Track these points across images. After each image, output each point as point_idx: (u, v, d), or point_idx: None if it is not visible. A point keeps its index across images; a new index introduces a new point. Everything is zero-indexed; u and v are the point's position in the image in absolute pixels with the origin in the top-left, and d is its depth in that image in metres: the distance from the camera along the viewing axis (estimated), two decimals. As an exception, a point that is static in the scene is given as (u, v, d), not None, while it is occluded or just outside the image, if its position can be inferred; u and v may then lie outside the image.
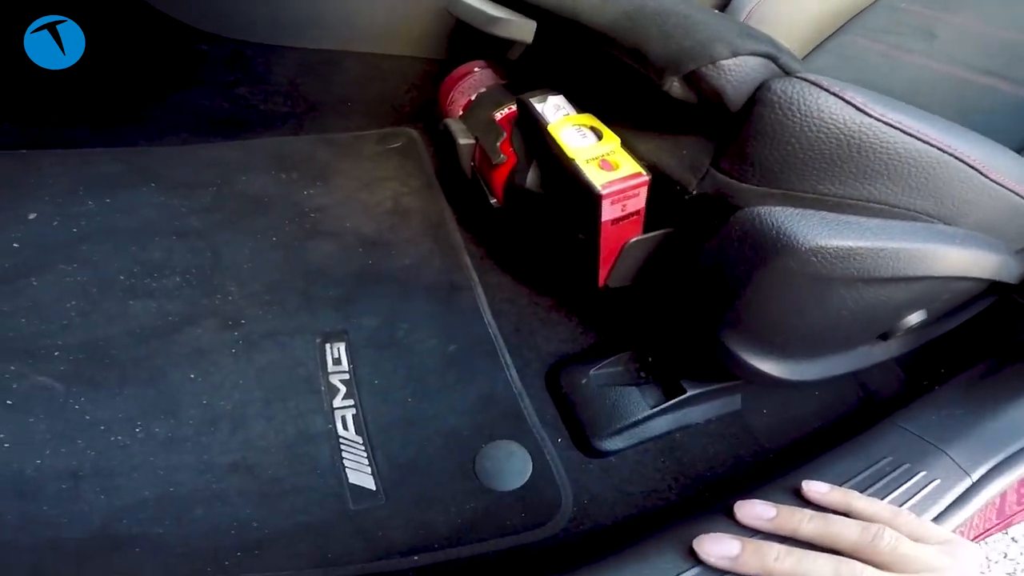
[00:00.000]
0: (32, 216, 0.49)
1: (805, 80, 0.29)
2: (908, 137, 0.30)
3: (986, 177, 0.34)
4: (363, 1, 0.61)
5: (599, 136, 0.37)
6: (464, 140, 0.47)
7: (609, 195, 0.33)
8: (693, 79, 0.30)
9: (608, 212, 0.34)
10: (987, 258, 0.38)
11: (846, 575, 0.27)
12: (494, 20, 0.42)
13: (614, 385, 0.45)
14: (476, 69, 0.57)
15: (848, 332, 0.42)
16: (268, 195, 0.58)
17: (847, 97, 0.29)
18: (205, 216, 0.54)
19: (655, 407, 0.43)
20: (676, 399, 0.43)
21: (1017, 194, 0.36)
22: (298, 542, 0.36)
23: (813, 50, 0.77)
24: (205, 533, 0.35)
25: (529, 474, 0.42)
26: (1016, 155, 0.42)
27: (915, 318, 0.42)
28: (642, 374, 0.47)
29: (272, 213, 0.56)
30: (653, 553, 0.30)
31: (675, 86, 0.31)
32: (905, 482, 0.37)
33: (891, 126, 0.29)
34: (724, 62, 0.29)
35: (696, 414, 0.47)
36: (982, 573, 0.35)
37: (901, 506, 0.35)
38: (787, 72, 0.30)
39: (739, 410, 0.50)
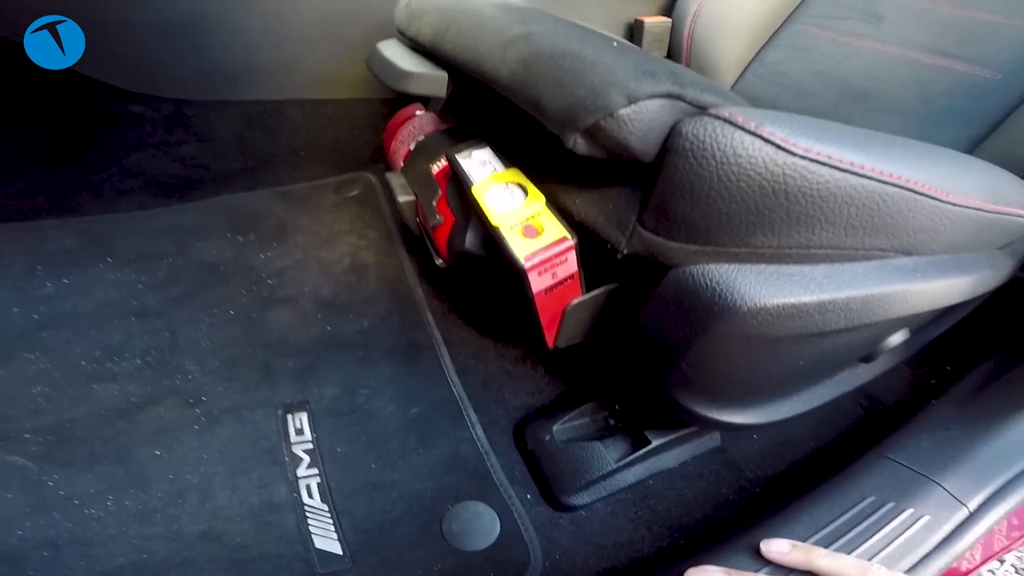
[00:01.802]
0: (-5, 303, 0.67)
1: (718, 117, 0.34)
2: (841, 173, 0.35)
3: (938, 200, 0.40)
4: (299, 48, 0.78)
5: (526, 193, 0.51)
6: (403, 198, 0.63)
7: (534, 267, 0.47)
8: (594, 134, 0.38)
9: (537, 283, 0.49)
10: (958, 282, 0.47)
11: None
12: (404, 76, 0.56)
13: (579, 439, 0.60)
14: (417, 113, 0.70)
15: (815, 374, 0.56)
16: (224, 261, 0.76)
17: (766, 134, 0.34)
18: (161, 292, 0.72)
19: (620, 460, 0.57)
20: (642, 451, 0.58)
21: (977, 209, 0.43)
22: None
23: (765, 44, 0.96)
24: None
25: (497, 533, 0.57)
26: (972, 159, 0.56)
27: (897, 338, 0.53)
28: (611, 421, 0.62)
29: (229, 281, 0.74)
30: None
31: (579, 142, 0.39)
32: (889, 522, 0.46)
33: (819, 163, 0.34)
34: (622, 112, 0.36)
35: (669, 459, 0.61)
36: None
37: (887, 547, 0.45)
38: (700, 108, 0.37)
39: (719, 446, 0.64)
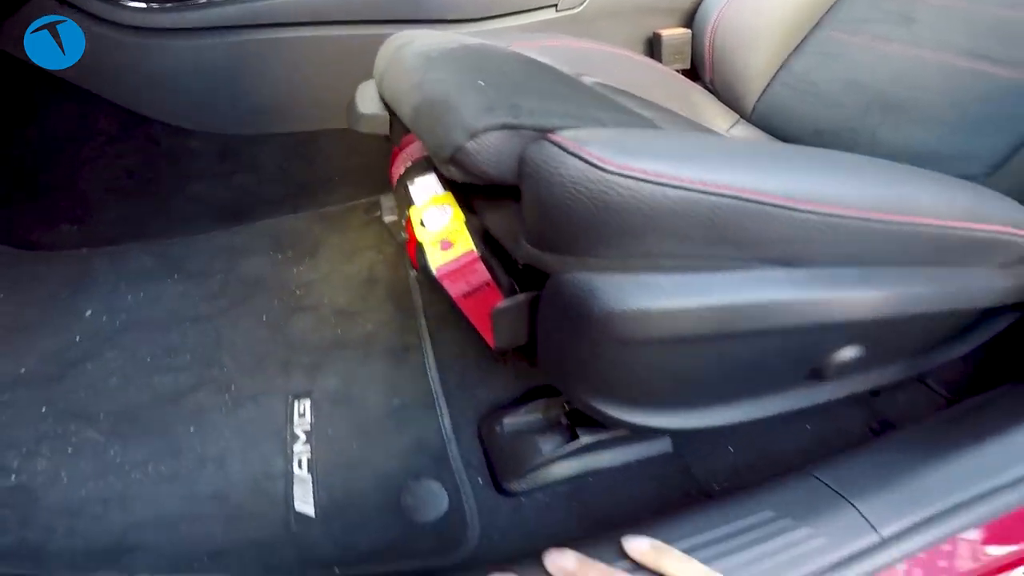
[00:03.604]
0: (88, 313, 0.82)
1: (550, 141, 0.38)
2: (656, 186, 0.37)
3: (795, 210, 0.40)
4: (328, 82, 0.88)
5: (450, 214, 0.57)
6: (388, 218, 0.71)
7: (445, 275, 0.53)
8: (457, 164, 0.44)
9: (452, 289, 0.54)
10: (872, 296, 0.46)
11: None
12: (356, 117, 0.64)
13: (526, 432, 0.64)
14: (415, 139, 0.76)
15: (730, 384, 0.54)
16: (264, 275, 0.88)
17: (584, 154, 0.37)
18: (212, 302, 0.84)
19: (551, 453, 0.61)
20: (571, 447, 0.61)
21: (889, 221, 0.43)
22: (248, 553, 0.60)
23: (792, 52, 0.91)
24: (185, 542, 0.61)
25: (445, 510, 0.63)
26: (930, 176, 0.54)
27: (848, 354, 0.53)
28: (562, 420, 0.65)
29: (266, 292, 0.86)
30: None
31: (451, 170, 0.45)
32: (776, 537, 0.44)
33: (633, 178, 0.36)
34: (467, 145, 0.42)
35: (608, 458, 0.64)
36: None
37: (764, 560, 0.43)
38: (541, 133, 0.41)
39: (671, 452, 0.65)
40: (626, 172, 0.37)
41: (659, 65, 0.97)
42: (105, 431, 0.71)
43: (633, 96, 0.73)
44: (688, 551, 0.42)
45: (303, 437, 0.69)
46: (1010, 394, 0.68)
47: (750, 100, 0.98)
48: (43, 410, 0.72)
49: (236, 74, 0.85)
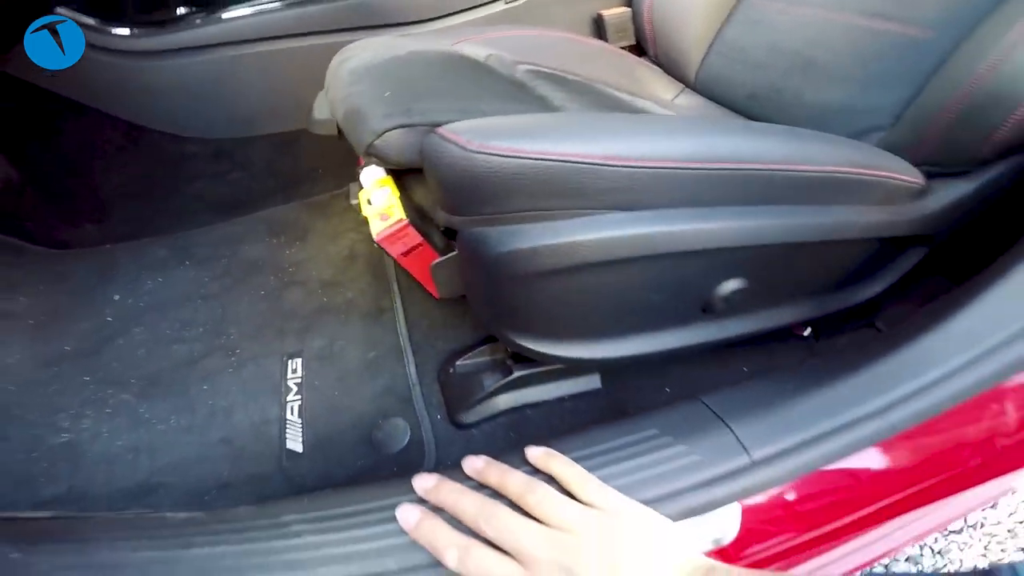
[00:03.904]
0: (116, 297, 0.95)
1: (436, 133, 0.48)
2: (505, 159, 0.46)
3: (613, 166, 0.48)
4: (305, 87, 0.91)
5: (388, 192, 0.68)
6: (354, 201, 0.81)
7: (383, 239, 0.64)
8: (374, 156, 0.56)
9: (393, 249, 0.65)
10: (710, 228, 0.53)
11: (486, 512, 0.43)
12: (311, 121, 0.73)
13: (474, 372, 0.75)
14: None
15: (628, 316, 0.63)
16: (261, 258, 0.99)
17: (453, 139, 0.47)
18: (219, 282, 0.96)
19: (491, 387, 0.71)
20: (505, 380, 0.71)
21: (709, 168, 0.50)
22: (248, 486, 0.72)
23: (725, 21, 0.97)
24: (200, 480, 0.73)
25: (407, 442, 0.73)
26: (781, 130, 0.62)
27: (731, 286, 0.62)
28: (508, 362, 0.76)
29: (263, 272, 0.97)
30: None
31: (373, 161, 0.57)
32: (653, 452, 0.48)
33: (488, 154, 0.46)
34: (376, 143, 0.54)
35: (542, 392, 0.73)
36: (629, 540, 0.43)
37: (638, 473, 0.47)
38: (433, 126, 0.50)
39: (599, 389, 0.75)
40: (483, 150, 0.47)
41: (604, 44, 1.04)
42: (135, 393, 0.83)
43: (557, 78, 0.81)
44: (577, 459, 0.48)
45: (295, 389, 0.81)
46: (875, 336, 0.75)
47: (692, 70, 1.04)
48: (86, 379, 0.84)
49: (219, 85, 0.96)
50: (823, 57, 0.87)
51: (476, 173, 0.48)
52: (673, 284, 0.60)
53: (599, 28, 1.12)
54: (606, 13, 1.09)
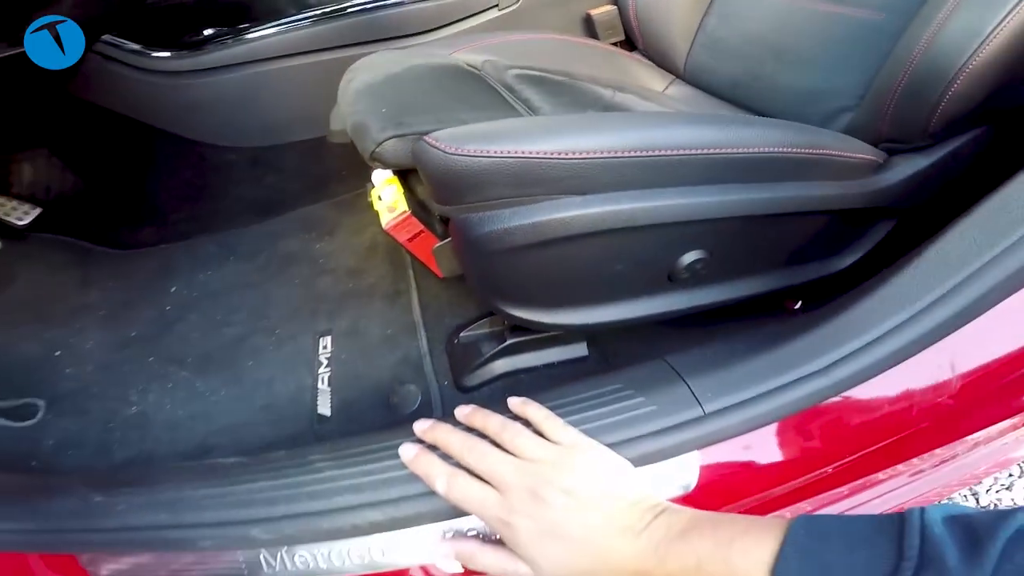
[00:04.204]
0: (173, 289, 1.08)
1: (423, 140, 0.56)
2: (476, 158, 0.54)
3: (560, 159, 0.55)
4: (327, 97, 1.02)
5: (394, 189, 0.78)
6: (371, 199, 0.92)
7: (391, 229, 0.74)
8: (377, 161, 0.65)
9: (400, 236, 0.75)
10: (649, 205, 0.60)
11: (468, 445, 0.50)
12: (328, 132, 0.82)
13: (475, 341, 0.84)
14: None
15: (600, 285, 0.70)
16: (297, 251, 1.10)
17: (435, 144, 0.55)
18: (261, 273, 1.08)
19: (488, 352, 0.80)
20: (499, 347, 0.80)
21: (643, 155, 0.57)
22: (284, 445, 0.82)
23: (704, 14, 1.03)
24: (245, 440, 0.83)
25: (418, 404, 0.82)
26: (736, 118, 0.69)
27: (691, 256, 0.68)
28: (505, 332, 0.85)
29: (298, 263, 1.07)
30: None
31: (376, 165, 0.66)
32: (616, 403, 0.54)
33: (461, 155, 0.54)
34: (376, 150, 0.63)
35: (533, 358, 0.81)
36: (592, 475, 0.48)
37: (603, 420, 0.52)
38: (421, 134, 0.58)
39: (585, 356, 0.83)
40: (459, 152, 0.54)
41: (595, 43, 1.10)
42: (192, 369, 0.95)
43: (543, 80, 0.89)
44: (552, 408, 0.54)
45: (325, 362, 0.91)
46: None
47: (680, 61, 1.08)
48: (150, 359, 0.96)
49: (250, 99, 1.07)
50: (790, 43, 0.92)
51: (455, 171, 0.56)
52: (633, 256, 0.66)
53: (590, 27, 1.19)
54: (594, 12, 1.15)
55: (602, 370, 0.79)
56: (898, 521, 0.37)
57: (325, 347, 0.94)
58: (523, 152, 0.55)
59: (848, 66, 0.86)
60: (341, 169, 1.19)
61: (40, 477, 0.76)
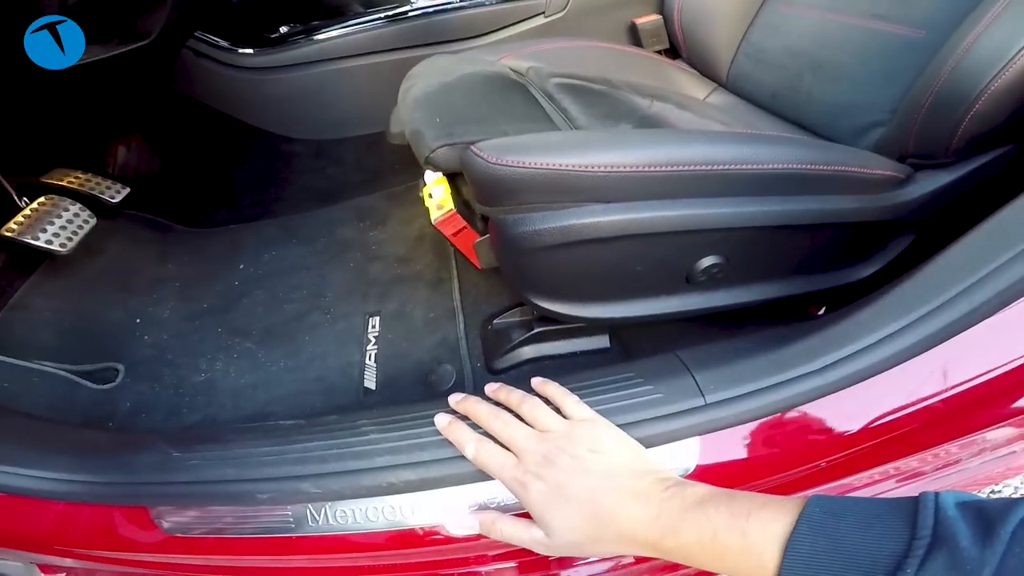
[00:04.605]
0: (241, 266, 1.18)
1: (469, 150, 0.63)
2: (513, 168, 0.61)
3: (589, 171, 0.61)
4: (385, 96, 1.07)
5: (443, 188, 0.84)
6: (421, 193, 0.99)
7: (439, 224, 0.81)
8: (430, 165, 0.73)
9: (446, 231, 0.81)
10: (666, 216, 0.65)
11: (493, 414, 0.55)
12: (389, 134, 0.90)
13: (506, 328, 0.90)
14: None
15: (624, 283, 0.75)
16: (352, 238, 1.19)
17: (480, 153, 0.62)
18: (319, 256, 1.17)
19: (517, 339, 0.87)
20: (527, 334, 0.86)
21: (638, 171, 0.62)
22: (334, 413, 0.91)
23: (750, 25, 1.06)
24: (299, 408, 0.91)
25: (452, 382, 0.89)
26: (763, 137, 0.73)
27: (707, 261, 0.73)
28: (534, 322, 0.91)
29: (353, 249, 1.16)
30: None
31: (430, 168, 0.74)
32: (626, 390, 0.57)
33: (502, 165, 0.61)
34: (430, 156, 0.72)
35: (559, 347, 0.86)
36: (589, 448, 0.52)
37: (614, 404, 0.56)
38: (468, 143, 0.65)
39: (607, 347, 0.88)
40: (500, 162, 0.62)
41: (639, 50, 1.14)
42: (256, 341, 1.04)
43: (582, 89, 0.93)
44: (569, 389, 0.58)
45: (372, 340, 0.99)
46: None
47: (722, 71, 1.12)
48: (219, 330, 1.06)
49: (317, 95, 1.17)
50: (829, 57, 0.94)
51: (496, 178, 0.63)
52: (652, 258, 0.71)
53: (634, 35, 1.22)
54: (639, 21, 1.18)
55: (621, 360, 0.85)
56: (912, 503, 0.38)
57: (374, 326, 1.02)
58: (555, 164, 0.62)
59: (883, 81, 0.87)
60: (394, 163, 1.27)
61: (121, 433, 0.85)
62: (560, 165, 0.62)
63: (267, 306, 1.10)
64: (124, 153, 1.27)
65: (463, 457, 0.55)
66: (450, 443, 0.56)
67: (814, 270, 0.84)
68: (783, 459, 0.60)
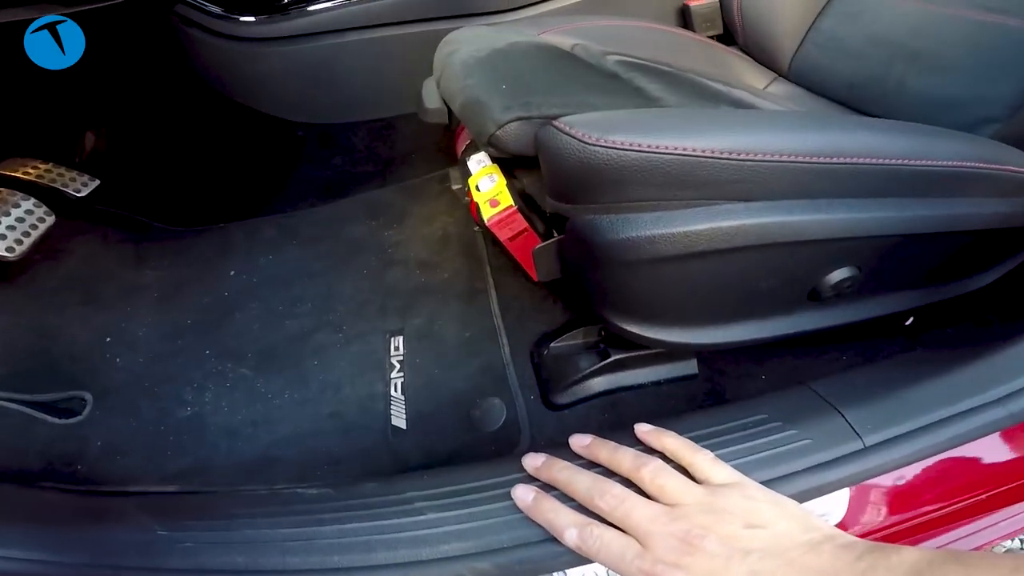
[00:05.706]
0: (232, 273, 0.98)
1: (552, 126, 0.48)
2: (622, 151, 0.46)
3: (732, 160, 0.46)
4: (402, 74, 0.96)
5: (496, 180, 0.66)
6: (455, 186, 0.80)
7: (493, 225, 0.62)
8: (493, 146, 0.55)
9: (501, 234, 0.63)
10: (821, 219, 0.50)
11: (599, 488, 0.42)
12: (422, 110, 0.73)
13: (568, 354, 0.73)
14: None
15: (735, 302, 0.60)
16: (363, 238, 0.99)
17: (572, 132, 0.47)
18: (324, 261, 0.97)
19: (587, 369, 0.69)
20: (602, 363, 0.69)
21: (818, 162, 0.48)
22: (357, 460, 0.72)
23: (820, 13, 0.92)
24: (312, 453, 0.73)
25: (503, 420, 0.72)
26: (888, 124, 0.57)
27: (842, 273, 0.58)
28: (601, 346, 0.74)
29: (365, 252, 0.97)
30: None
31: (491, 150, 0.57)
32: (765, 437, 0.48)
33: (604, 147, 0.45)
34: (497, 132, 0.53)
35: (640, 376, 0.70)
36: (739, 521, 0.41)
37: (752, 456, 0.46)
38: (548, 119, 0.50)
39: (695, 374, 0.72)
40: (601, 143, 0.46)
41: (690, 34, 1.00)
42: (252, 367, 0.85)
43: (649, 68, 0.76)
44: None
45: (397, 366, 0.80)
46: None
47: (784, 59, 1.00)
48: (207, 352, 0.86)
49: (325, 72, 0.98)
50: (929, 48, 0.83)
51: (592, 164, 0.47)
52: (783, 271, 0.56)
53: (686, 18, 1.08)
54: (693, 4, 1.05)
55: (711, 390, 0.70)
56: None
57: (397, 348, 0.83)
58: (683, 148, 0.46)
59: (999, 75, 0.77)
60: (410, 152, 1.08)
61: (92, 499, 0.67)
62: (691, 150, 0.46)
63: (264, 322, 0.91)
64: (94, 139, 1.05)
65: (553, 538, 0.44)
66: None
67: (941, 280, 0.71)
68: (941, 500, 0.54)
